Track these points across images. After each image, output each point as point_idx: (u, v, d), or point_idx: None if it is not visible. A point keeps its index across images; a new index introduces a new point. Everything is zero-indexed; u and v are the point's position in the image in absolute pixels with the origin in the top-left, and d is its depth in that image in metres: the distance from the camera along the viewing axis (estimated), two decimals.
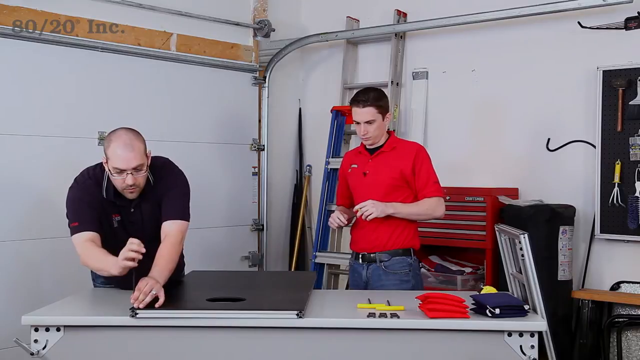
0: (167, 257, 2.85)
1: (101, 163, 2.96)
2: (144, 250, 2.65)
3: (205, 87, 4.82)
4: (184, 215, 3.00)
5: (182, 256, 3.12)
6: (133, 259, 2.64)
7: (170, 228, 2.94)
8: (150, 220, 3.00)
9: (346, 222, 3.39)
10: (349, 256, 3.58)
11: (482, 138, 4.66)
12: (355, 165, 3.48)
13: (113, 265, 2.71)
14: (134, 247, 2.64)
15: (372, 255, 3.38)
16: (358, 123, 3.36)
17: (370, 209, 3.21)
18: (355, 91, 5.16)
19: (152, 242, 2.89)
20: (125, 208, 2.99)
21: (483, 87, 4.66)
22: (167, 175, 3.05)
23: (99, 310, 2.83)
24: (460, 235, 4.34)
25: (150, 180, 2.98)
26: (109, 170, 2.87)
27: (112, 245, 2.82)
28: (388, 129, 3.49)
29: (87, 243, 2.84)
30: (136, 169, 2.85)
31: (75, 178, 3.01)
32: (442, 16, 4.59)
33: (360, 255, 3.43)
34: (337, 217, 3.35)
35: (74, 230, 2.88)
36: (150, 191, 2.99)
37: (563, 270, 4.09)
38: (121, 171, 2.83)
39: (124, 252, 2.65)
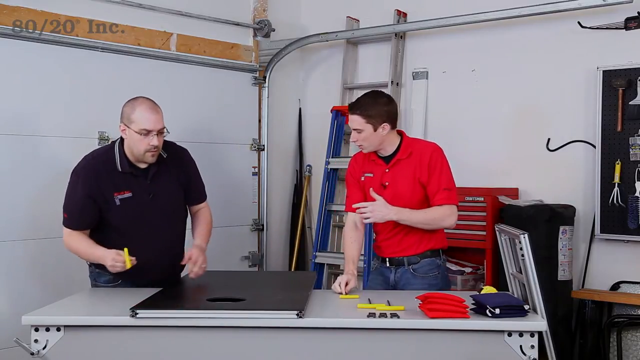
0: (208, 225, 3.34)
1: (105, 145, 3.12)
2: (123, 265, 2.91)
3: (205, 87, 4.81)
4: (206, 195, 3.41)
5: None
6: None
7: (204, 206, 3.38)
8: (166, 193, 3.14)
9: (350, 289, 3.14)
10: None
11: (482, 138, 4.66)
12: (371, 175, 3.27)
13: (100, 257, 2.95)
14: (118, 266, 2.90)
15: (400, 258, 3.25)
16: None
17: (368, 214, 3.06)
18: (355, 91, 5.25)
19: (165, 217, 3.13)
20: (140, 179, 3.08)
21: (483, 87, 4.66)
22: (179, 153, 3.26)
23: (99, 310, 2.83)
24: (460, 235, 4.33)
25: (162, 154, 3.12)
26: (135, 132, 2.98)
27: (118, 224, 3.04)
28: (398, 131, 3.27)
29: (70, 236, 3.06)
30: (160, 131, 3.02)
31: (77, 166, 3.09)
32: (442, 16, 4.58)
33: (387, 259, 3.30)
34: (341, 286, 3.11)
35: (64, 221, 3.07)
36: (164, 164, 3.14)
37: (563, 270, 4.09)
38: (148, 132, 2.98)
39: (112, 259, 2.90)
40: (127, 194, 3.04)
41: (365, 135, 3.16)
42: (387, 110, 3.18)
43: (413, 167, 3.18)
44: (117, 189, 3.03)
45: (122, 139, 3.10)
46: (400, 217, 3.10)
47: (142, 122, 2.97)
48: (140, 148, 3.00)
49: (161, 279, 3.13)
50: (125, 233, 3.05)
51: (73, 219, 3.05)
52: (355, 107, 3.17)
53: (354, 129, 3.17)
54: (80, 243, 3.03)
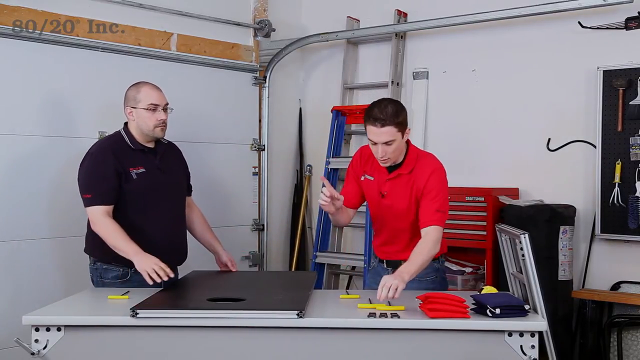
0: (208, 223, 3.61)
1: (108, 134, 3.34)
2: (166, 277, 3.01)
3: (206, 87, 4.81)
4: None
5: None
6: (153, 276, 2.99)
7: (191, 201, 3.55)
8: (173, 171, 3.38)
9: (337, 204, 3.03)
10: (349, 256, 3.50)
11: (483, 138, 4.66)
12: (371, 178, 3.19)
13: (133, 254, 3.02)
14: (161, 273, 2.99)
15: (397, 261, 3.14)
16: (374, 143, 2.99)
17: (389, 292, 2.73)
18: (355, 91, 5.24)
19: (175, 193, 3.35)
20: (150, 156, 3.28)
21: (483, 87, 4.66)
22: (174, 145, 3.49)
23: (99, 310, 2.84)
24: (460, 235, 4.33)
25: (163, 140, 3.37)
26: (144, 110, 3.20)
27: (135, 197, 3.19)
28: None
29: (104, 218, 3.11)
30: (165, 107, 3.29)
31: (90, 149, 3.27)
32: (442, 16, 4.58)
33: (385, 261, 3.26)
34: (326, 196, 2.95)
35: (87, 202, 3.15)
36: (168, 148, 3.40)
37: (563, 270, 4.09)
38: (156, 107, 3.23)
39: (150, 268, 2.98)
40: (142, 169, 3.23)
41: (396, 145, 2.99)
42: (406, 115, 3.07)
43: (411, 185, 3.09)
44: (132, 164, 3.22)
45: (125, 125, 3.31)
46: (410, 275, 2.87)
47: (150, 98, 3.23)
48: (149, 124, 3.23)
49: (171, 260, 3.25)
50: (140, 207, 3.21)
51: (100, 194, 3.13)
52: (386, 118, 2.94)
53: (385, 143, 2.96)
54: (115, 231, 3.08)
